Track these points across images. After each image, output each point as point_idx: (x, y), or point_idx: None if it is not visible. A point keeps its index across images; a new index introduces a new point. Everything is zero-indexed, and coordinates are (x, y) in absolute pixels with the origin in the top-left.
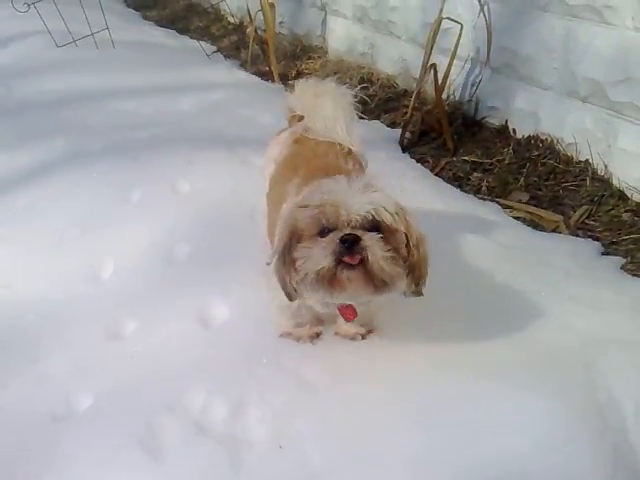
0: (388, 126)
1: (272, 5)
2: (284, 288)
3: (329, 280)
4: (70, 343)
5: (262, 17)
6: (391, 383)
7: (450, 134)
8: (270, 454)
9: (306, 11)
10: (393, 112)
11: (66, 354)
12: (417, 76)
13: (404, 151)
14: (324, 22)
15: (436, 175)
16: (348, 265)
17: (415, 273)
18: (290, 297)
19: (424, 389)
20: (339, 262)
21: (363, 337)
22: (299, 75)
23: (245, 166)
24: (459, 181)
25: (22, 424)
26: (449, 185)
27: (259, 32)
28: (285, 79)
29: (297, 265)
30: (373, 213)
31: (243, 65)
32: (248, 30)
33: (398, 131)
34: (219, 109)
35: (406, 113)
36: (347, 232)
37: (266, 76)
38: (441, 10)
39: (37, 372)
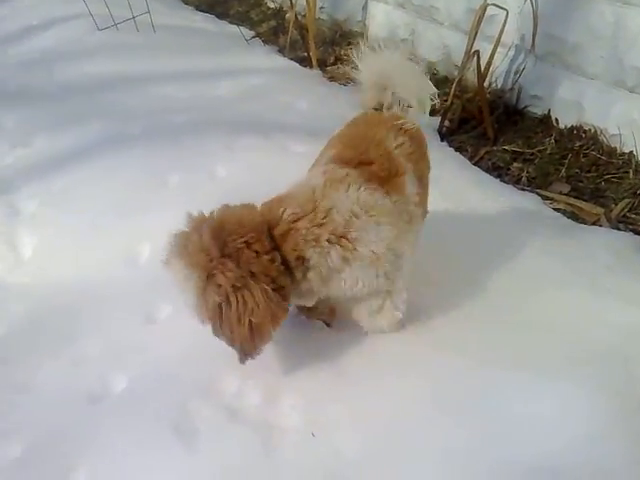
0: (428, 113)
1: None
2: None
3: None
4: (105, 325)
5: (303, 2)
6: (427, 375)
7: (491, 123)
8: (303, 441)
9: None
10: None
11: (101, 336)
12: (458, 63)
13: (442, 139)
14: (365, 8)
15: (475, 164)
16: None
17: None
18: None
19: (461, 382)
20: None
21: None
22: (337, 61)
23: (283, 153)
24: (498, 171)
25: (58, 405)
26: (488, 175)
27: (299, 18)
28: (323, 65)
29: None
30: None
31: (281, 50)
32: (287, 15)
33: (437, 119)
34: (257, 95)
35: (446, 100)
36: None
37: (304, 62)
38: None
39: (73, 354)
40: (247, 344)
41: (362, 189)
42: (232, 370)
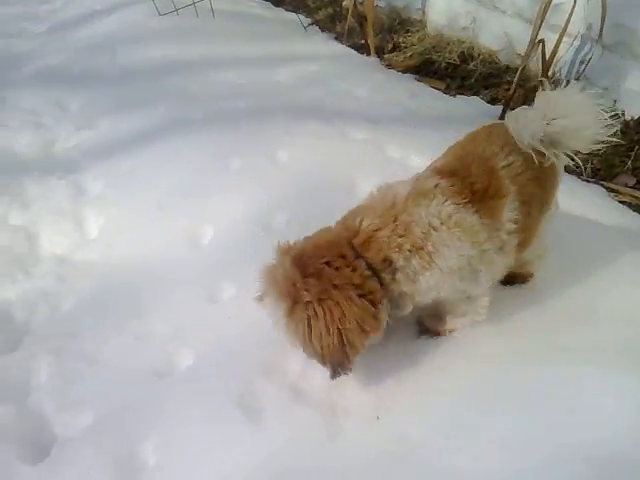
0: (488, 102)
1: None
2: None
3: None
4: (170, 303)
5: None
6: (492, 364)
7: None
8: (367, 424)
9: None
10: (494, 88)
11: (166, 314)
12: (520, 52)
13: None
14: None
15: None
16: None
17: None
18: None
19: (525, 372)
20: None
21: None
22: (395, 48)
23: (343, 139)
24: None
25: (125, 377)
26: None
27: (357, 5)
28: (381, 52)
29: None
30: None
31: (339, 38)
32: (345, 3)
33: (498, 108)
34: (316, 81)
35: (508, 89)
36: None
37: (362, 49)
38: None
39: (138, 329)
40: (337, 355)
41: (448, 202)
42: (295, 352)
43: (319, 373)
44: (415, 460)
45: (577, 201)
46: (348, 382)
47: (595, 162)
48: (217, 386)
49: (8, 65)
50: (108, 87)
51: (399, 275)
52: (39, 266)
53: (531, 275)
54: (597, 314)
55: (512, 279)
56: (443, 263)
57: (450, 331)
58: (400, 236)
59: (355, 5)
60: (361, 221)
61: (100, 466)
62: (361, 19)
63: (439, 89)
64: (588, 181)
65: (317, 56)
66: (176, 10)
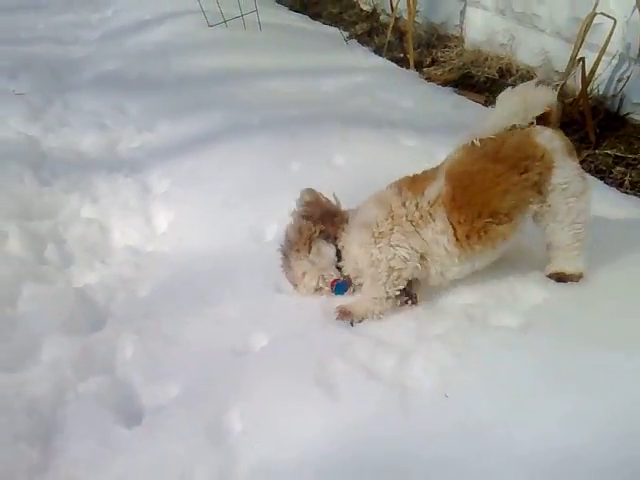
0: None
1: None
2: None
3: None
4: (241, 292)
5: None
6: (556, 348)
7: (593, 127)
8: (437, 402)
9: (445, 1)
10: None
11: (238, 301)
12: (559, 69)
13: None
14: (462, 12)
15: None
16: None
17: None
18: None
19: (585, 358)
20: None
21: None
22: (434, 63)
23: (395, 145)
24: (601, 174)
25: (206, 355)
26: (592, 177)
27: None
28: (420, 66)
29: None
30: None
31: (378, 51)
32: (381, 17)
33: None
34: (361, 92)
35: None
36: None
37: (401, 62)
38: (596, 5)
39: (215, 313)
40: None
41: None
42: (365, 337)
43: (388, 356)
44: (482, 435)
45: (617, 211)
46: (415, 364)
47: (633, 175)
48: (292, 364)
49: (68, 70)
50: (164, 93)
51: None
52: (114, 256)
53: (575, 276)
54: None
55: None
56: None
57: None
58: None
59: (395, 20)
60: None
61: (191, 430)
62: (400, 34)
63: (479, 102)
64: (627, 192)
65: (360, 68)
66: (225, 22)
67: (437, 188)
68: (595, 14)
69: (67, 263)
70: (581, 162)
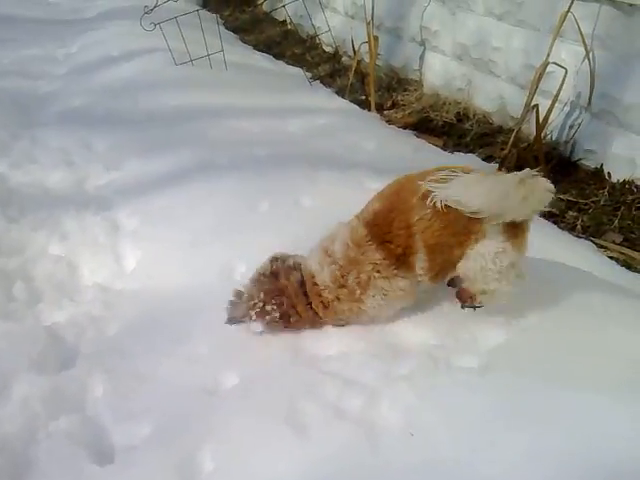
0: (483, 160)
1: (376, 38)
2: None
3: None
4: (211, 330)
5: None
6: (510, 389)
7: (546, 171)
8: (403, 439)
9: (404, 45)
10: (488, 147)
11: (208, 339)
12: (514, 114)
13: None
14: (422, 57)
15: None
16: None
17: None
18: None
19: (538, 396)
20: None
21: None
22: (394, 106)
23: (359, 187)
24: (554, 218)
25: (178, 394)
26: (546, 221)
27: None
28: (381, 109)
29: None
30: None
31: (340, 92)
32: (343, 59)
33: (493, 165)
34: (326, 133)
35: (502, 149)
36: None
37: (363, 104)
38: (548, 55)
39: (185, 352)
40: None
41: (378, 276)
42: (333, 376)
43: (357, 396)
44: (448, 471)
45: (570, 254)
46: (383, 404)
47: (585, 219)
48: (263, 403)
49: (34, 105)
50: (132, 130)
51: None
52: (83, 293)
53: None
54: (601, 353)
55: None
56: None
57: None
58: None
59: (357, 63)
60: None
61: (164, 469)
62: (362, 76)
63: (437, 145)
64: (579, 237)
65: (323, 109)
66: (191, 61)
67: (421, 260)
68: (548, 63)
69: (35, 300)
70: None
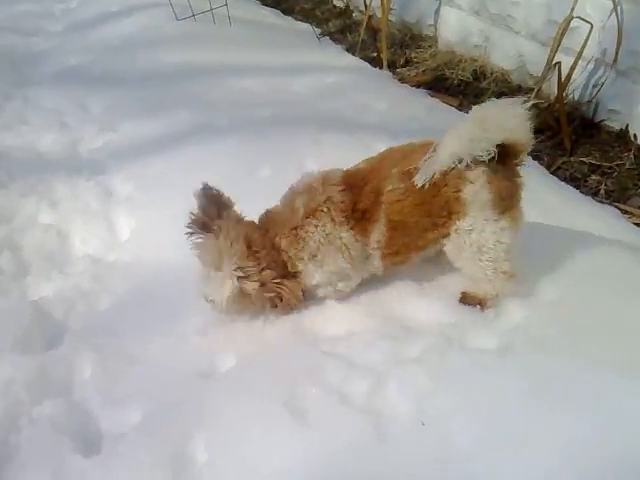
0: None
1: None
2: None
3: None
4: (207, 306)
5: (375, 3)
6: (536, 372)
7: (568, 134)
8: (413, 429)
9: None
10: None
11: (204, 317)
12: (533, 72)
13: None
14: (437, 11)
15: (552, 174)
16: None
17: None
18: None
19: (572, 382)
20: None
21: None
22: (408, 63)
23: (367, 150)
24: (576, 182)
25: (170, 377)
26: (567, 185)
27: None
28: (393, 66)
29: None
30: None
31: (350, 49)
32: (354, 14)
33: None
34: (334, 93)
35: None
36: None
37: (374, 62)
38: (572, 9)
39: (179, 330)
40: None
41: (328, 224)
42: (337, 358)
43: (362, 380)
44: (462, 467)
45: (592, 221)
46: (391, 389)
47: (609, 184)
48: (261, 388)
49: (28, 63)
50: (129, 90)
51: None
52: (73, 265)
53: (480, 299)
54: (631, 330)
55: (465, 299)
56: (327, 268)
57: None
58: (299, 250)
59: (369, 18)
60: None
61: (154, 460)
62: (373, 32)
63: (452, 105)
64: (602, 202)
65: (332, 67)
66: (194, 15)
67: (379, 232)
68: (572, 18)
69: (23, 273)
70: (556, 169)
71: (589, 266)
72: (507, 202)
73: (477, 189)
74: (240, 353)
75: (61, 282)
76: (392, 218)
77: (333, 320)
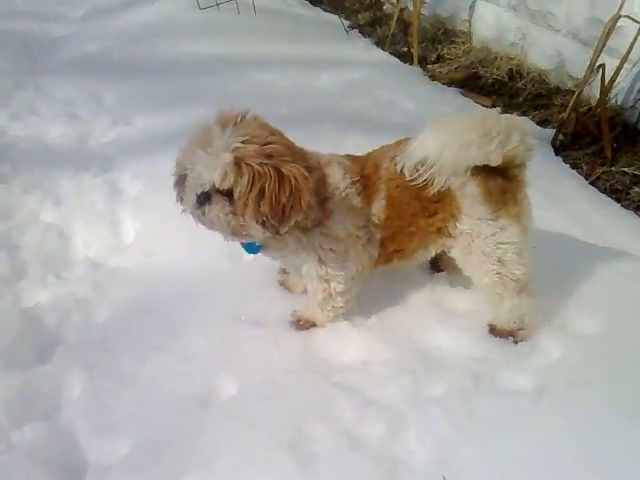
0: (538, 123)
1: None
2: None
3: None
4: (211, 322)
5: None
6: (575, 422)
7: (610, 141)
8: None
9: None
10: (543, 109)
11: (207, 333)
12: (573, 73)
13: (556, 153)
14: (472, 6)
15: (591, 184)
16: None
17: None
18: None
19: (612, 437)
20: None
21: None
22: (439, 59)
23: None
24: (617, 194)
25: (165, 403)
26: (607, 198)
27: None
28: (424, 63)
29: None
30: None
31: (379, 43)
32: (385, 7)
33: (549, 131)
34: (360, 89)
35: (560, 112)
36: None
37: (404, 57)
38: (620, 7)
39: (179, 347)
40: None
41: (346, 176)
42: (350, 393)
43: (377, 421)
44: None
45: (635, 238)
46: (409, 434)
47: None
48: (264, 423)
49: (44, 50)
50: (146, 81)
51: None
52: (72, 269)
53: (504, 331)
54: None
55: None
56: (336, 225)
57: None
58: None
59: (400, 11)
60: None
61: None
62: (404, 26)
63: (486, 105)
64: None
65: (359, 62)
66: (217, 4)
67: (379, 205)
68: (619, 17)
69: (18, 276)
70: (595, 179)
71: (632, 293)
72: (498, 197)
73: (463, 180)
74: (243, 379)
75: (57, 288)
76: (389, 193)
77: (347, 346)
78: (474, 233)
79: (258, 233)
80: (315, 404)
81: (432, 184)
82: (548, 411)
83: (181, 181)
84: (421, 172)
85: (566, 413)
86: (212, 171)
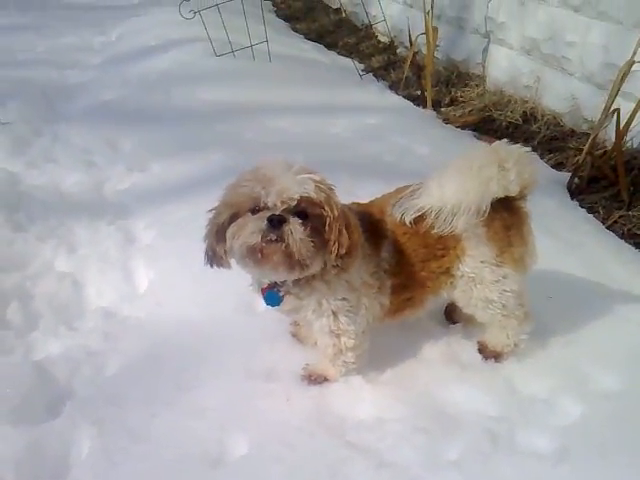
0: (553, 167)
1: (435, 29)
2: (212, 255)
3: (255, 252)
4: (222, 377)
5: (421, 40)
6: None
7: (626, 184)
8: None
9: (467, 37)
10: (558, 152)
11: (218, 388)
12: (588, 116)
13: (572, 197)
14: (486, 50)
15: (608, 228)
16: (271, 241)
17: (334, 247)
18: (214, 264)
19: None
20: (265, 239)
21: None
22: (453, 102)
23: None
24: (635, 238)
25: (174, 465)
26: (625, 243)
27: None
28: (438, 106)
29: (228, 236)
30: (298, 198)
31: (393, 87)
32: (399, 50)
33: (564, 174)
34: (374, 135)
35: (575, 155)
36: (276, 213)
37: (418, 100)
38: (635, 52)
39: (189, 402)
40: None
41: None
42: (364, 454)
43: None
44: None
45: None
46: None
47: None
48: None
49: (62, 97)
50: (162, 128)
51: None
52: (84, 320)
53: (495, 353)
54: None
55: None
56: (355, 273)
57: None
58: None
59: (414, 55)
60: None
61: None
62: (418, 69)
63: None
64: None
65: (374, 107)
66: (233, 52)
67: (387, 249)
68: (633, 62)
69: (30, 327)
70: (612, 224)
71: None
72: (503, 236)
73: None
74: (254, 438)
75: (69, 340)
76: (396, 239)
77: (360, 402)
78: (477, 278)
79: (317, 266)
80: (329, 465)
81: (447, 228)
82: (567, 475)
83: (221, 231)
84: (437, 219)
85: (589, 477)
86: (302, 185)
